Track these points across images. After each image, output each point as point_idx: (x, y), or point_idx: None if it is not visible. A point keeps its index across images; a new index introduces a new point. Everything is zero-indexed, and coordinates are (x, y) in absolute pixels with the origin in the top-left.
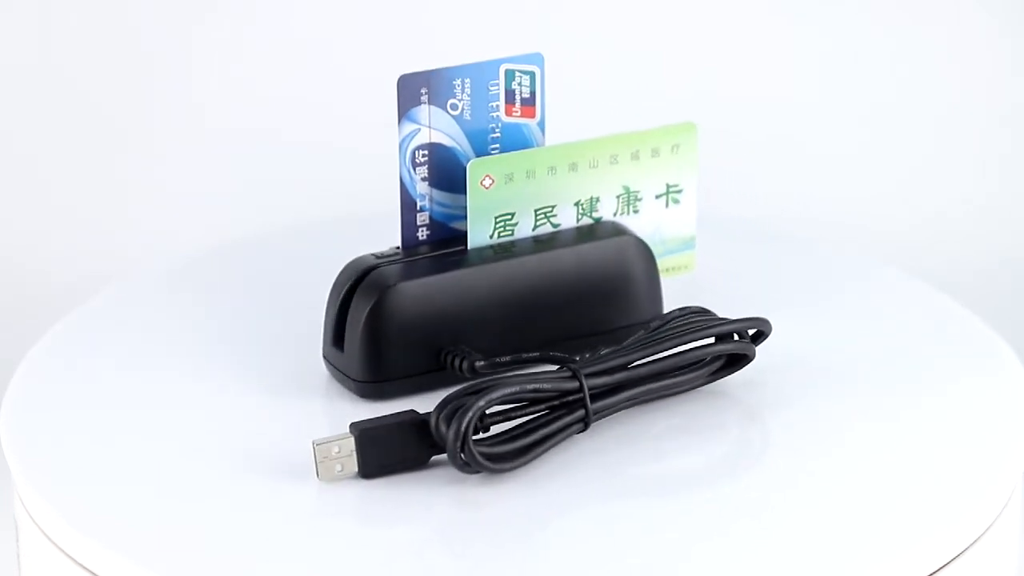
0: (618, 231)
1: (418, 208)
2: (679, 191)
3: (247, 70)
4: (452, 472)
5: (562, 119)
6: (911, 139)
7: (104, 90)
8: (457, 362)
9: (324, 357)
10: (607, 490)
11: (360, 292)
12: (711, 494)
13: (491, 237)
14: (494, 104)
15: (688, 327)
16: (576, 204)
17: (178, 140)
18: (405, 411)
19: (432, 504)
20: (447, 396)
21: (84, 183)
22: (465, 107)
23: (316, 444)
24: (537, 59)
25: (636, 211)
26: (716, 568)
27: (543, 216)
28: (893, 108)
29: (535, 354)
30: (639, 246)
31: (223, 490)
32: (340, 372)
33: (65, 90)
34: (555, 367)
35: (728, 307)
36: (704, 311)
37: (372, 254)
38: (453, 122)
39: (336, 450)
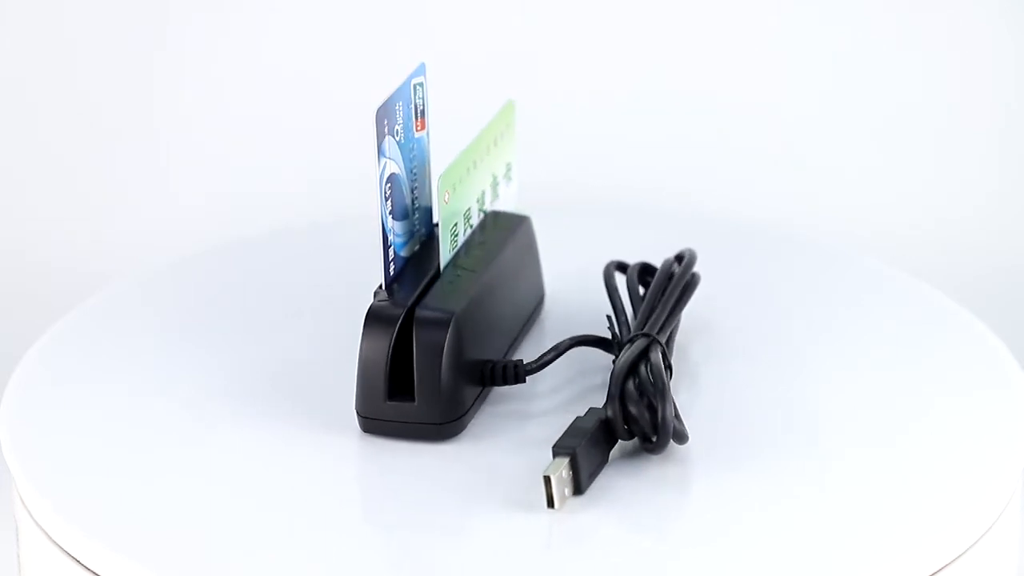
0: (509, 217)
1: (389, 244)
2: (511, 168)
3: (248, 70)
4: (623, 461)
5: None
6: (913, 140)
7: (104, 90)
8: (511, 371)
9: (366, 417)
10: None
11: (422, 334)
12: (713, 492)
13: (450, 251)
14: (409, 123)
15: (668, 276)
16: (477, 200)
17: (179, 140)
18: (582, 417)
19: (635, 491)
20: (613, 389)
21: (84, 183)
22: (400, 130)
23: (550, 476)
24: (421, 69)
25: (497, 196)
26: (714, 569)
27: (466, 219)
28: (894, 108)
29: (567, 340)
30: (531, 224)
31: (225, 488)
32: (405, 423)
33: (65, 89)
34: (602, 347)
35: (728, 307)
36: (625, 264)
37: (377, 301)
38: (396, 147)
39: (563, 475)
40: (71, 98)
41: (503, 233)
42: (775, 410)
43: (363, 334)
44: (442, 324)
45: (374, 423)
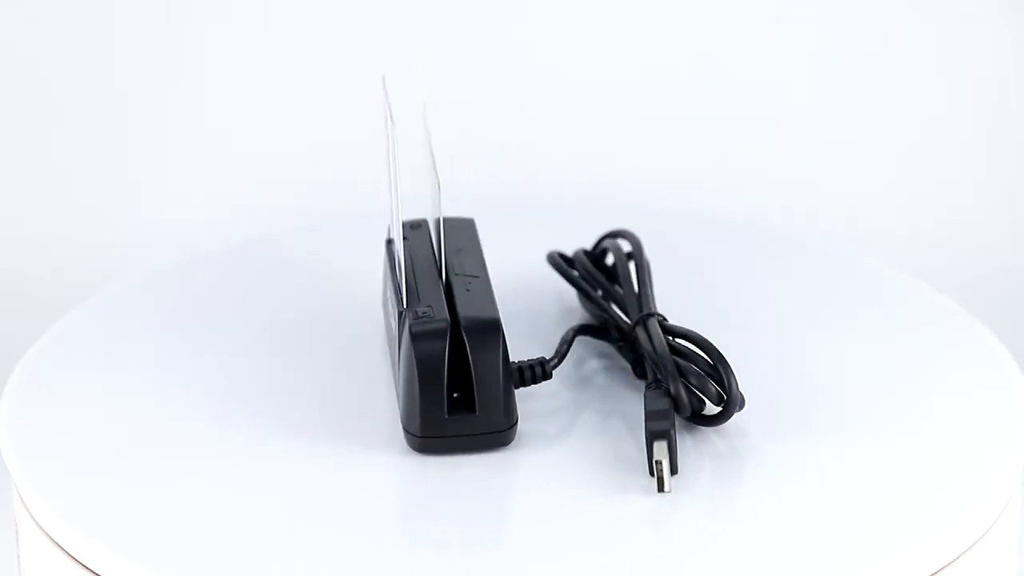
0: (458, 221)
1: (405, 260)
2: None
3: (248, 70)
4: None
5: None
6: (914, 140)
7: (104, 89)
8: (539, 369)
9: (425, 436)
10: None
11: (477, 343)
12: (714, 491)
13: (443, 259)
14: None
15: (628, 256)
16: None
17: (180, 139)
18: (650, 400)
19: (696, 469)
20: (668, 366)
21: (84, 183)
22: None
23: (662, 461)
24: (383, 84)
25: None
26: (716, 568)
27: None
28: (895, 107)
29: (569, 331)
30: (476, 226)
31: (225, 488)
32: (468, 436)
33: (65, 90)
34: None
35: (728, 306)
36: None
37: (414, 319)
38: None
39: (669, 458)
40: (71, 98)
41: (467, 236)
42: (773, 410)
43: (415, 354)
44: (493, 331)
45: (434, 442)
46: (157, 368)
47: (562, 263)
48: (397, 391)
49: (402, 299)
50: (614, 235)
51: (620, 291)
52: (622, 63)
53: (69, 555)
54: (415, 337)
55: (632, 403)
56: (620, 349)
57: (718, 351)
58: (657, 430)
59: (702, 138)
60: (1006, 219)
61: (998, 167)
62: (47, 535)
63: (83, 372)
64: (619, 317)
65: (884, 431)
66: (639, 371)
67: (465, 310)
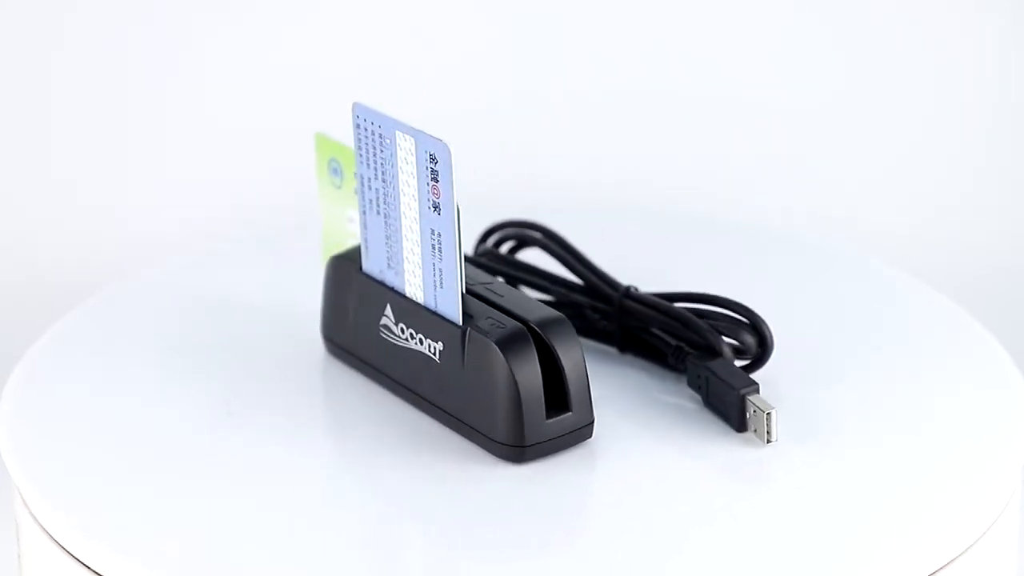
0: None
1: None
2: None
3: (250, 70)
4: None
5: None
6: (914, 139)
7: (102, 89)
8: None
9: (525, 445)
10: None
11: (562, 343)
12: (716, 491)
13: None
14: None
15: (553, 237)
16: None
17: (178, 140)
18: (712, 364)
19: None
20: (704, 326)
21: (84, 183)
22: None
23: (773, 412)
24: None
25: None
26: (716, 567)
27: None
28: (895, 106)
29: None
30: None
31: (225, 488)
32: (562, 436)
33: (65, 89)
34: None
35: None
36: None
37: (491, 332)
38: None
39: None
40: (71, 99)
41: None
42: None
43: (511, 365)
44: (567, 327)
45: (532, 449)
46: (157, 368)
47: (500, 257)
48: (462, 410)
49: (452, 318)
50: (506, 226)
51: (573, 276)
52: (622, 63)
53: (70, 554)
54: (503, 347)
55: (642, 376)
56: (602, 330)
57: (736, 302)
58: (746, 387)
59: (702, 138)
60: (1006, 219)
61: (998, 167)
62: (48, 535)
63: (83, 372)
64: (585, 299)
65: (884, 431)
66: (625, 346)
67: (527, 314)
